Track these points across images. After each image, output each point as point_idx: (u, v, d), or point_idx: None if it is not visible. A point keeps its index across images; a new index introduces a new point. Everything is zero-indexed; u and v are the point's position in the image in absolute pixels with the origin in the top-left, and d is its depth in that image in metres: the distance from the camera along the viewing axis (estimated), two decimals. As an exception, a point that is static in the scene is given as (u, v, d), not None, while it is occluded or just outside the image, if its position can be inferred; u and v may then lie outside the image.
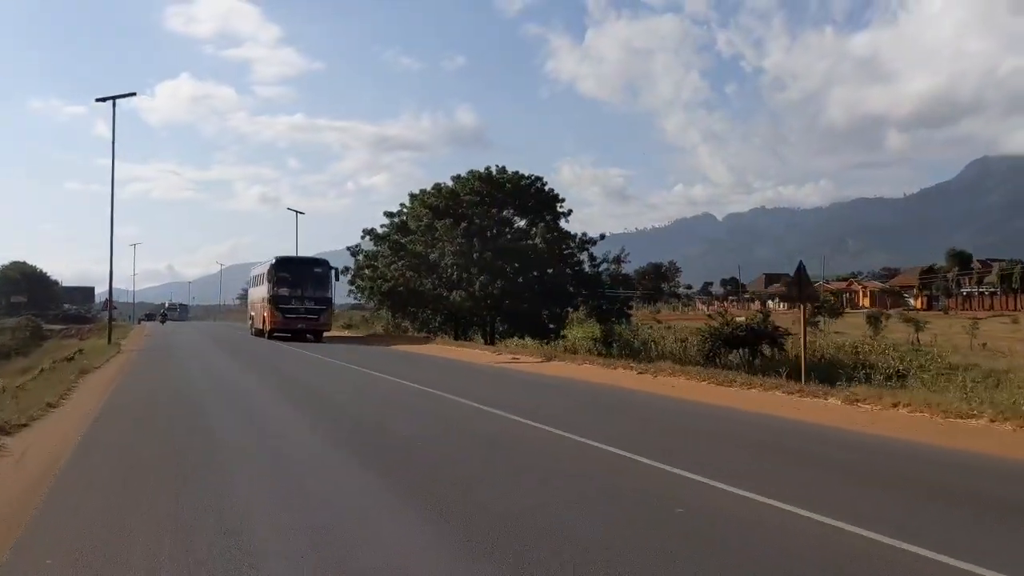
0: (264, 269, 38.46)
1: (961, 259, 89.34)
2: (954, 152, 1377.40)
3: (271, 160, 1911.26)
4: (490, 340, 40.11)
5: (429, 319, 42.10)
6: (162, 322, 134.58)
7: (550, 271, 39.09)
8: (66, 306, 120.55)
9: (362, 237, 45.21)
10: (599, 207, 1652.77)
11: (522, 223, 40.41)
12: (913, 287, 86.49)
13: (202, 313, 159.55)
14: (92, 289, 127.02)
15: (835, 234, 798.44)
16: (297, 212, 57.70)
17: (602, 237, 41.44)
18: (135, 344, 33.75)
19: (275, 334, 35.97)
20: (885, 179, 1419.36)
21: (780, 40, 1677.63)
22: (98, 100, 32.64)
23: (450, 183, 41.13)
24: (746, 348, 31.47)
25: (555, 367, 21.87)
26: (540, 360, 24.70)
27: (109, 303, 39.71)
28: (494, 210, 39.82)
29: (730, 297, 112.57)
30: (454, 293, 38.04)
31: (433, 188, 41.21)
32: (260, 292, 38.90)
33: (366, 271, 43.23)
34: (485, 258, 37.71)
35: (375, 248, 44.16)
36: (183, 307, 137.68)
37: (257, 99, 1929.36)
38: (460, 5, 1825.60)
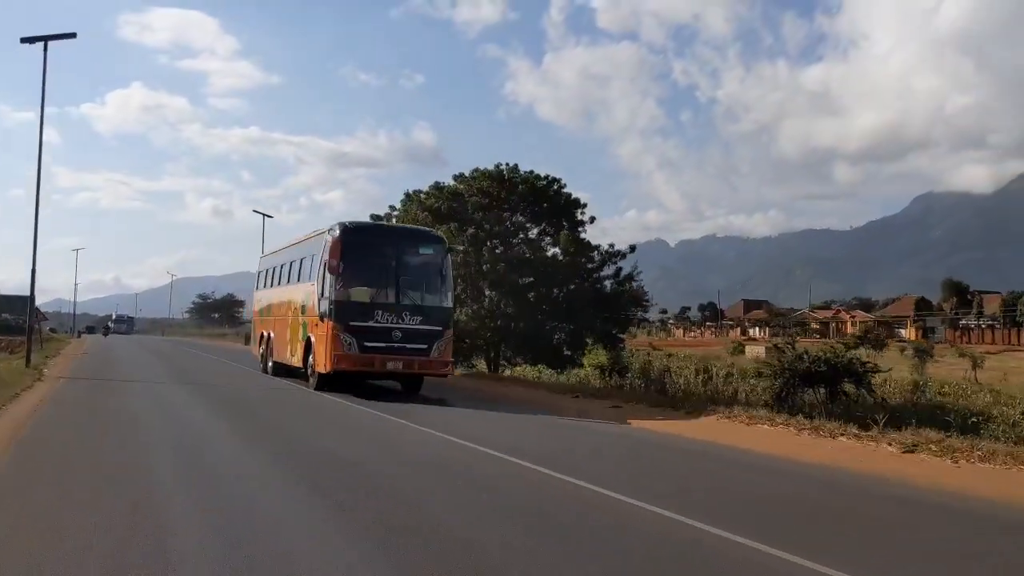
0: (315, 246, 20.11)
1: (958, 290, 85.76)
2: (900, 187, 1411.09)
3: (224, 173, 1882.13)
4: (494, 367, 33.99)
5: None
6: (105, 335, 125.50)
7: (570, 287, 33.13)
8: (4, 316, 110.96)
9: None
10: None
11: (535, 231, 34.38)
12: (906, 317, 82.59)
13: (148, 326, 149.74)
14: (34, 298, 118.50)
15: (784, 264, 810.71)
16: (265, 215, 50.98)
17: (632, 250, 35.53)
18: (63, 369, 26.21)
19: (342, 378, 18.52)
20: (833, 211, 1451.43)
21: (734, 71, 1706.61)
22: (24, 40, 26.02)
23: (451, 182, 35.05)
24: (824, 386, 25.87)
25: (711, 429, 14.32)
26: (667, 418, 16.25)
27: (29, 313, 29.27)
28: (505, 214, 33.73)
29: (708, 323, 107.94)
30: (460, 311, 31.95)
31: (432, 188, 35.01)
32: (298, 294, 21.35)
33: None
34: (497, 270, 31.59)
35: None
36: (129, 320, 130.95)
37: (211, 111, 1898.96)
38: (420, 24, 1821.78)
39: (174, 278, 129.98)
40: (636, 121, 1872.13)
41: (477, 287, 32.54)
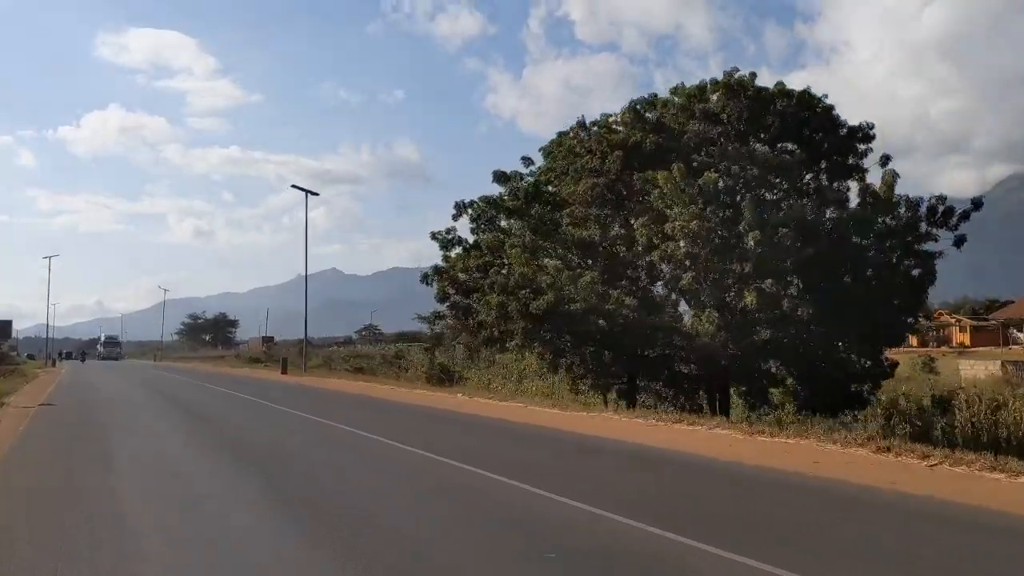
0: None
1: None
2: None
3: (205, 193, 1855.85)
4: (722, 410, 20.79)
5: (598, 369, 22.51)
6: (82, 360, 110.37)
7: (869, 272, 19.90)
8: None
9: (459, 214, 25.63)
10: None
11: (807, 177, 21.02)
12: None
13: (135, 349, 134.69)
14: (9, 323, 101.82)
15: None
16: (308, 192, 37.76)
17: (976, 206, 21.99)
18: (13, 423, 15.03)
19: None
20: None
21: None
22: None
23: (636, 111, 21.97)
24: None
25: None
26: None
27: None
28: (757, 148, 20.47)
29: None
30: (702, 318, 18.85)
31: (628, 110, 21.91)
32: None
33: (460, 274, 24.02)
34: (778, 243, 18.26)
35: (482, 236, 24.76)
36: (117, 343, 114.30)
37: (191, 131, 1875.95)
38: (398, 40, 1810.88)
39: (167, 292, 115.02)
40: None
41: (723, 272, 19.29)
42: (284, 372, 42.63)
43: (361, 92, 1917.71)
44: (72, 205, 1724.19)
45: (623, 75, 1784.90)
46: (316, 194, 40.56)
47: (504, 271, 22.24)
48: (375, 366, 50.41)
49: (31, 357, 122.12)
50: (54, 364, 65.90)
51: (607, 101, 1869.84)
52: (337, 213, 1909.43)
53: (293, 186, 39.24)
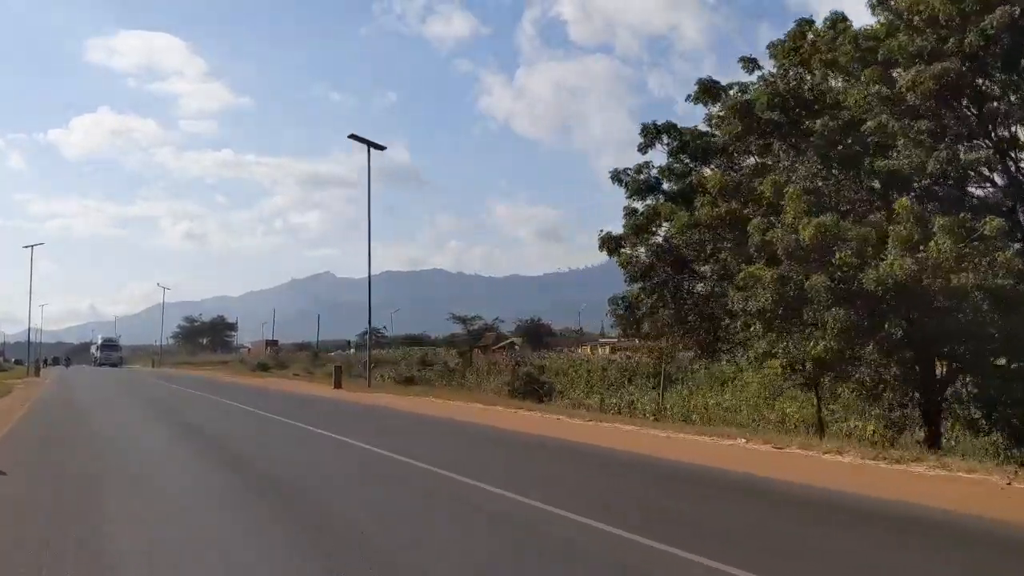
0: None
1: None
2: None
3: (198, 196, 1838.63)
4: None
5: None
6: (67, 366, 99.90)
7: None
8: None
9: (649, 143, 16.74)
10: (531, 247, 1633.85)
11: None
12: None
13: (130, 354, 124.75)
14: None
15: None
16: (372, 144, 28.74)
17: None
18: None
19: None
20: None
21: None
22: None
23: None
24: None
25: None
26: None
27: None
28: None
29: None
30: None
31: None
32: None
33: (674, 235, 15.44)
34: None
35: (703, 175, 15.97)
36: (117, 346, 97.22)
37: (183, 134, 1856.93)
38: (391, 42, 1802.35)
39: (166, 289, 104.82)
40: (612, 134, 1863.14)
41: None
42: (338, 386, 33.11)
43: (353, 95, 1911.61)
44: (64, 209, 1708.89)
45: (617, 77, 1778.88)
46: (382, 147, 31.41)
47: (765, 230, 13.27)
48: (427, 376, 41.29)
49: (19, 362, 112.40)
50: (38, 372, 56.37)
51: (601, 104, 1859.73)
52: (330, 216, 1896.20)
53: (352, 136, 30.00)
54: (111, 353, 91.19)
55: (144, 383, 40.58)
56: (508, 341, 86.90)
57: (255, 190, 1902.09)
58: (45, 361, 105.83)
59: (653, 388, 26.47)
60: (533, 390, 30.56)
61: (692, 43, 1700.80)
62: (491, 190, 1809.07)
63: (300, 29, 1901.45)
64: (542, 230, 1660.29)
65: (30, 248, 62.28)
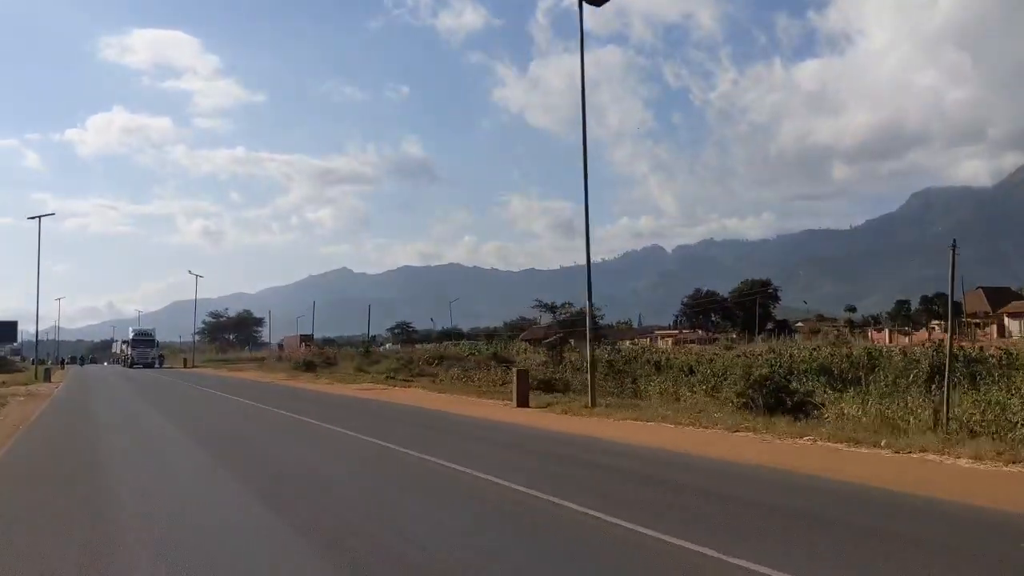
0: None
1: None
2: (896, 184, 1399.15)
3: (212, 193, 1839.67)
4: None
5: None
6: (80, 364, 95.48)
7: None
8: None
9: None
10: (547, 240, 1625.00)
11: None
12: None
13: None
14: (14, 324, 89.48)
15: (786, 265, 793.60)
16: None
17: None
18: None
19: None
20: (826, 211, 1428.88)
21: (727, 73, 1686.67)
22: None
23: None
24: None
25: None
26: None
27: None
28: None
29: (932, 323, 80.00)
30: None
31: None
32: None
33: None
34: None
35: None
36: (152, 340, 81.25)
37: (197, 131, 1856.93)
38: (401, 35, 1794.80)
39: (198, 277, 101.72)
40: (626, 125, 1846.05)
41: None
42: (524, 404, 23.13)
43: (365, 89, 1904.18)
44: (80, 208, 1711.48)
45: (630, 66, 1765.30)
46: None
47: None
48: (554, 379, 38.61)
49: (40, 362, 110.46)
50: (48, 376, 49.33)
51: (615, 95, 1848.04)
52: (344, 212, 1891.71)
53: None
54: (146, 350, 77.29)
55: (198, 396, 30.55)
56: (560, 334, 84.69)
57: (269, 187, 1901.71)
58: (62, 361, 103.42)
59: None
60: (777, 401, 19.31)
61: (707, 32, 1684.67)
62: (505, 183, 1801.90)
63: (312, 23, 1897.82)
64: (557, 223, 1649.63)
65: (37, 220, 51.44)
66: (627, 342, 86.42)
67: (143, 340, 79.69)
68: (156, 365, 75.98)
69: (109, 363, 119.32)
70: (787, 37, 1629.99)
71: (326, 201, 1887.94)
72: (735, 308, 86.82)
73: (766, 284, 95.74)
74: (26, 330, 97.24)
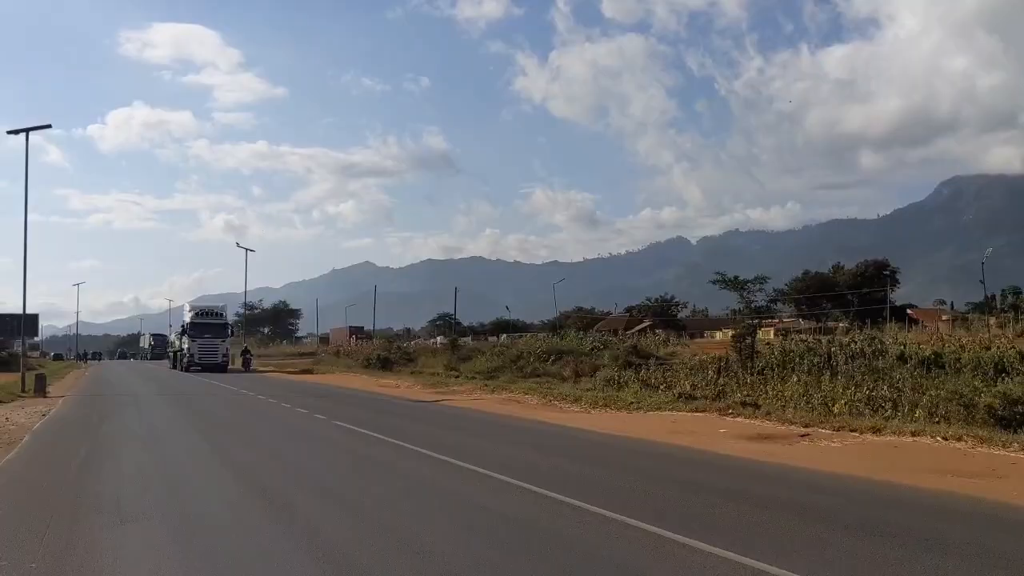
0: None
1: None
2: (923, 172, 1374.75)
3: (235, 188, 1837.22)
4: None
5: None
6: (97, 359, 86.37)
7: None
8: None
9: None
10: (569, 232, 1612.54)
11: None
12: None
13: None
14: (35, 317, 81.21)
15: (813, 256, 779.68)
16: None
17: None
18: None
19: None
20: (851, 200, 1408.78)
21: (753, 60, 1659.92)
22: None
23: None
24: None
25: None
26: None
27: None
28: None
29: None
30: None
31: None
32: None
33: None
34: None
35: None
36: (224, 324, 53.54)
37: (218, 126, 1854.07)
38: (421, 25, 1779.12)
39: (248, 251, 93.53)
40: (650, 115, 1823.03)
41: None
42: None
43: (385, 81, 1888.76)
44: (103, 203, 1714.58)
45: (653, 54, 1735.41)
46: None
47: None
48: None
49: (59, 357, 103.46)
50: (42, 385, 29.74)
51: (638, 83, 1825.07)
52: (366, 206, 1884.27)
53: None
54: (214, 341, 51.07)
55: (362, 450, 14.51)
56: (647, 323, 75.87)
57: (291, 181, 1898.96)
58: (85, 356, 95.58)
59: None
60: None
61: (732, 18, 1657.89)
62: (527, 175, 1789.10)
63: (330, 15, 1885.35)
64: (579, 215, 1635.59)
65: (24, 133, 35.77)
66: (718, 333, 78.21)
67: (210, 323, 52.21)
68: (224, 368, 51.16)
69: (139, 358, 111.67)
70: (814, 24, 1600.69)
71: (348, 195, 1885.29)
72: (848, 293, 77.84)
73: (883, 265, 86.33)
74: (51, 325, 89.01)
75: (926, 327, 53.69)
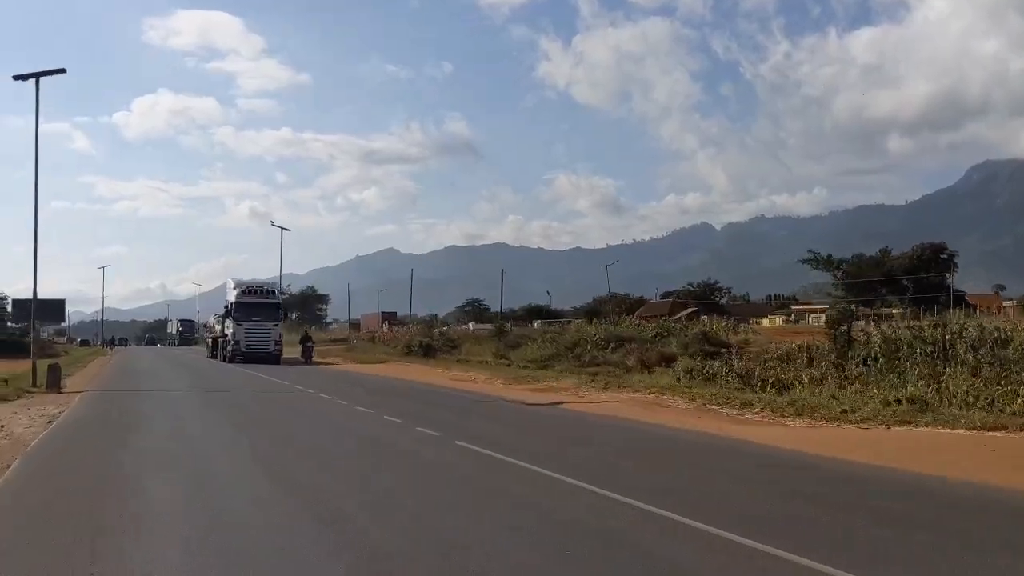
0: None
1: None
2: (952, 157, 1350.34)
3: (259, 175, 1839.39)
4: None
5: None
6: (113, 346, 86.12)
7: None
8: (10, 325, 78.15)
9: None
10: (592, 219, 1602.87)
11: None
12: None
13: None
14: (62, 303, 79.17)
15: (840, 242, 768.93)
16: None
17: None
18: None
19: None
20: (879, 186, 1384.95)
21: (779, 44, 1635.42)
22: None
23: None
24: None
25: None
26: None
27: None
28: None
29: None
30: None
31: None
32: None
33: None
34: None
35: None
36: (276, 304, 44.80)
37: (242, 112, 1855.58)
38: (443, 10, 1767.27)
39: (284, 230, 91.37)
40: (674, 99, 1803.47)
41: None
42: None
43: (408, 66, 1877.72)
44: (129, 190, 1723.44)
45: (677, 38, 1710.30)
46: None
47: None
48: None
49: (85, 343, 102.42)
50: (56, 379, 24.83)
51: (662, 67, 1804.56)
52: (390, 192, 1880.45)
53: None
54: (265, 326, 42.60)
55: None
56: (691, 309, 72.87)
57: (315, 168, 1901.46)
58: (112, 342, 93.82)
59: None
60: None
61: (758, 2, 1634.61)
62: (549, 161, 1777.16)
63: (353, 1, 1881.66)
64: (602, 201, 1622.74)
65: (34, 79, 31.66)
66: (763, 320, 75.24)
67: (261, 303, 42.97)
68: (281, 357, 42.91)
69: (166, 344, 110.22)
70: (842, 6, 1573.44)
71: (371, 181, 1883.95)
72: (904, 278, 74.15)
73: (940, 248, 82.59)
74: (78, 311, 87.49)
75: (985, 313, 50.60)
